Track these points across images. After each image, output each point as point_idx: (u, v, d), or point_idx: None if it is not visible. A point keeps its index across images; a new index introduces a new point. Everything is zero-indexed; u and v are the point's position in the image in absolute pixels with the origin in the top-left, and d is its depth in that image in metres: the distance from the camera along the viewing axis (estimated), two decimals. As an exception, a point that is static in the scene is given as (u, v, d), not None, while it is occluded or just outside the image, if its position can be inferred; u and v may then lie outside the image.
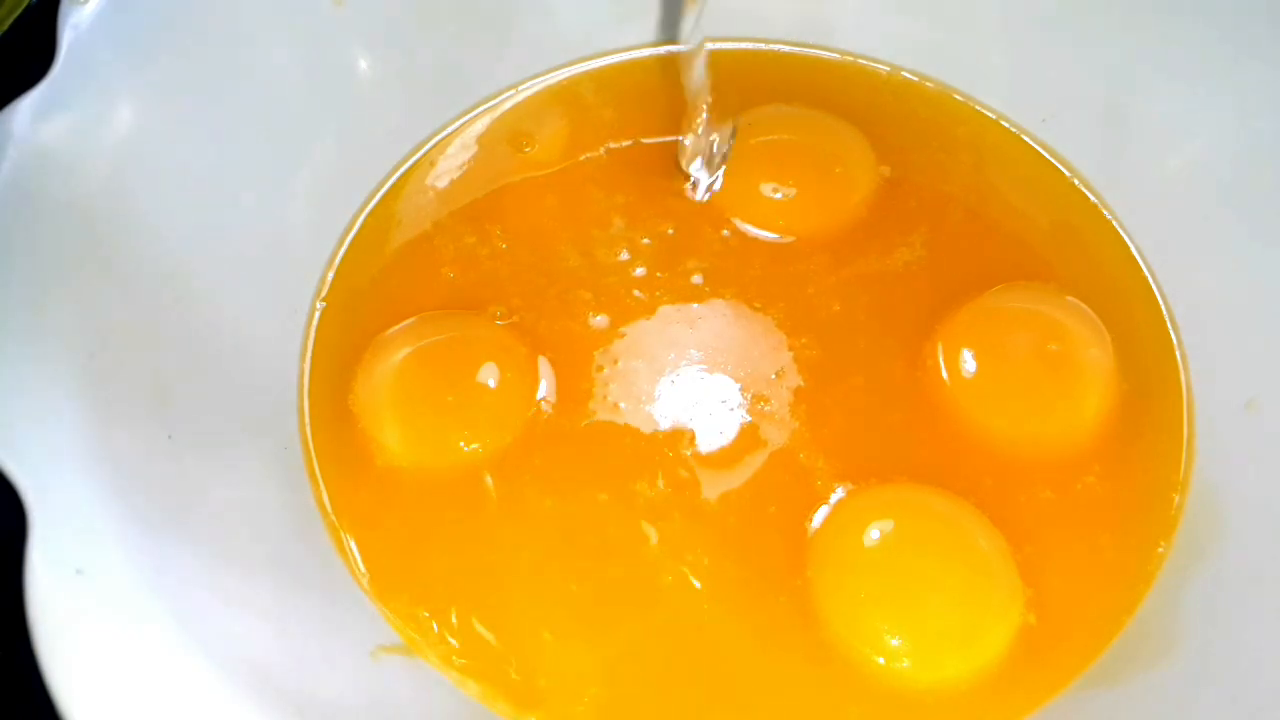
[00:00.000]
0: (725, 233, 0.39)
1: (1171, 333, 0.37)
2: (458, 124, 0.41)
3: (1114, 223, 0.39)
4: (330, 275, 0.38)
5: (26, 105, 0.30)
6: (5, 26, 0.34)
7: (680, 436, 0.35)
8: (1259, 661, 0.29)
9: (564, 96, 0.42)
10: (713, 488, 0.34)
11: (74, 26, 0.32)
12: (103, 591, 0.26)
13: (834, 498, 0.33)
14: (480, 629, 0.32)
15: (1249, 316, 0.36)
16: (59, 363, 0.29)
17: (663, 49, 0.43)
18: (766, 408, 0.35)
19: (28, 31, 0.34)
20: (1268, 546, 0.32)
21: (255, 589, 0.31)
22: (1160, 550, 0.33)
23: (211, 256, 0.35)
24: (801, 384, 0.35)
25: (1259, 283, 0.36)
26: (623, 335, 0.36)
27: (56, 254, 0.30)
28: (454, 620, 0.32)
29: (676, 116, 0.39)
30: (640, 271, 0.38)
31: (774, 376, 0.35)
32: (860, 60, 0.43)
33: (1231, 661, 0.30)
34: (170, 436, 0.31)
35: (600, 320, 0.37)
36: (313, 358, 0.36)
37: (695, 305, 0.37)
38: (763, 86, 0.42)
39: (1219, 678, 0.30)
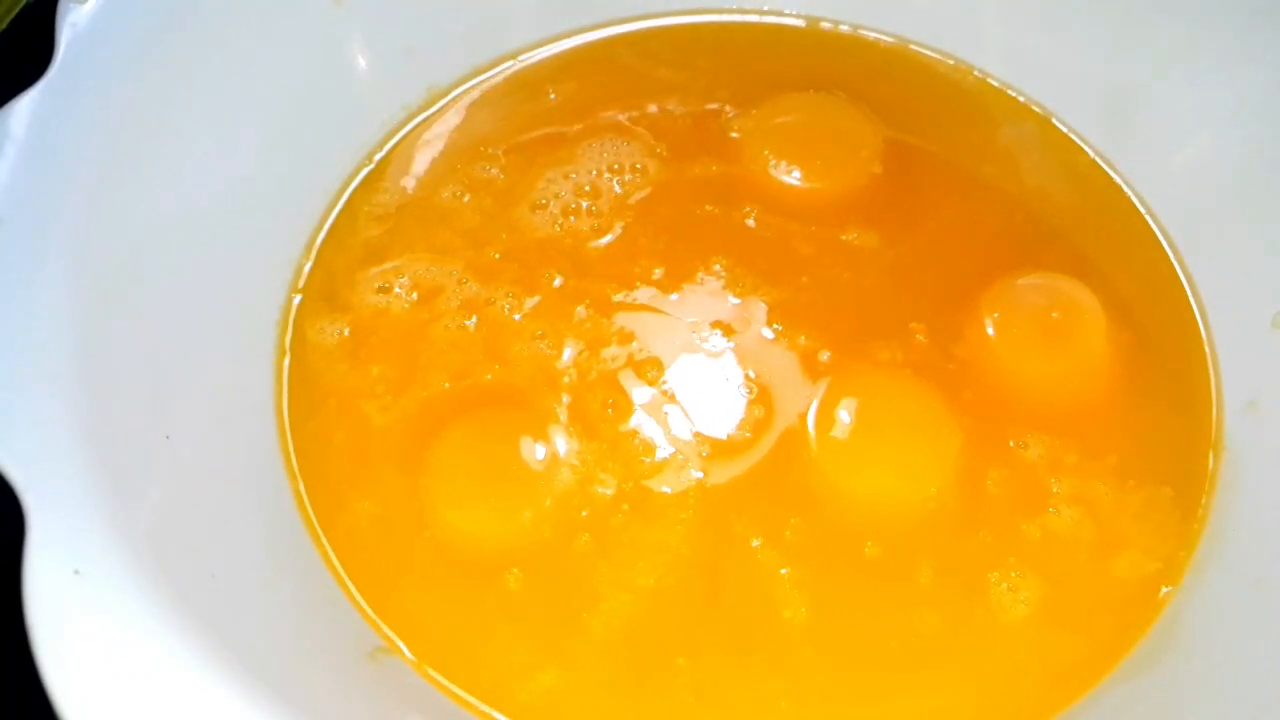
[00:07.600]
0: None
1: (1201, 327, 0.38)
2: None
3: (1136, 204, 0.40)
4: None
5: (25, 104, 0.30)
6: (4, 25, 0.34)
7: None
8: (1264, 662, 0.30)
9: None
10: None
11: (72, 25, 0.32)
12: (101, 592, 0.26)
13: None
14: (476, 631, 0.32)
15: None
16: (57, 363, 0.29)
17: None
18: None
19: (26, 30, 0.34)
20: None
21: (254, 590, 0.31)
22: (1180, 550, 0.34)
23: (209, 255, 0.35)
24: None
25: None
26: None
27: (54, 253, 0.30)
28: (450, 622, 0.32)
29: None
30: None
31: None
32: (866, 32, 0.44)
33: (1237, 663, 0.30)
34: (168, 437, 0.31)
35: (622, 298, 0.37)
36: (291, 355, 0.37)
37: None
38: (771, 61, 0.43)
39: (1224, 679, 0.30)
